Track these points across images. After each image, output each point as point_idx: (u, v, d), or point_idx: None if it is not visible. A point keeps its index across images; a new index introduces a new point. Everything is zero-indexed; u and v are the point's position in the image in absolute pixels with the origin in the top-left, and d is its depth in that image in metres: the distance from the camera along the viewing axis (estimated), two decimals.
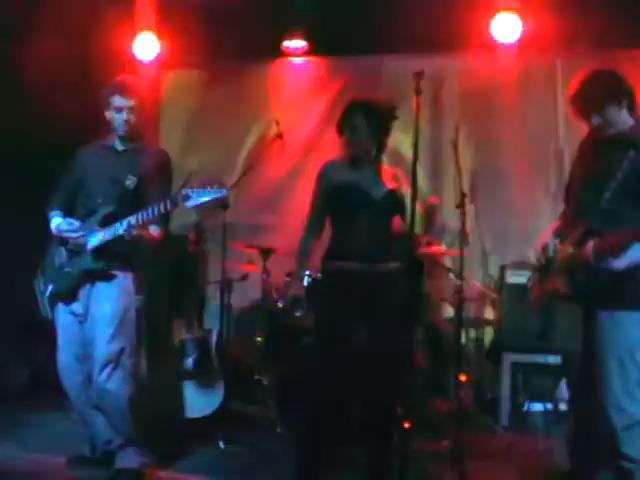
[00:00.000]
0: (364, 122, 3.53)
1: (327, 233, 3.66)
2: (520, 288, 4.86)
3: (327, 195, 3.60)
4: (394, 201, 3.56)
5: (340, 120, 3.62)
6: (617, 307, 3.12)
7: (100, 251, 3.60)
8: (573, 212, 3.34)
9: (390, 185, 3.57)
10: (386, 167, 3.68)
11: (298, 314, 4.51)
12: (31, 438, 4.25)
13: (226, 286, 4.67)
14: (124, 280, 3.69)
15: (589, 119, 3.27)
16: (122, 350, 3.61)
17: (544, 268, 3.37)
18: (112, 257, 3.62)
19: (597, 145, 3.30)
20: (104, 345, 3.59)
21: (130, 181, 3.67)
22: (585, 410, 3.31)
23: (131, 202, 3.61)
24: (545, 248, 3.37)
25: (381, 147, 3.61)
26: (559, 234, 3.37)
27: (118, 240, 3.54)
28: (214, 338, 4.48)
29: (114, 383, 3.58)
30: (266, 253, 4.88)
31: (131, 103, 3.66)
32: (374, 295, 3.50)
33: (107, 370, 3.58)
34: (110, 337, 3.59)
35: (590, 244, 3.08)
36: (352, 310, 3.51)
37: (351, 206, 3.56)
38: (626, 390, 3.10)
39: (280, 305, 4.68)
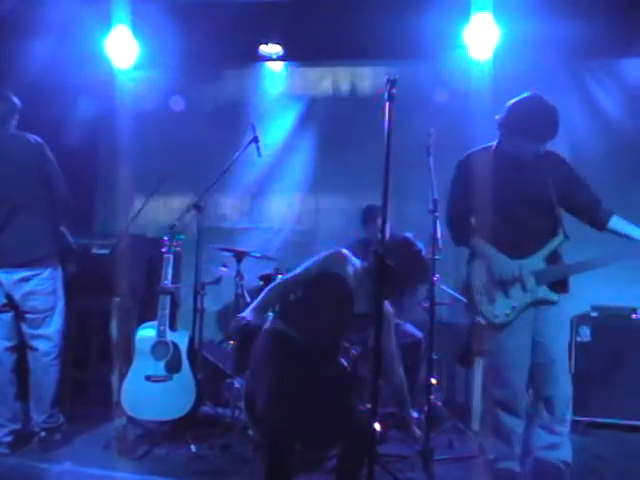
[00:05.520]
0: None
1: None
2: None
3: None
4: None
5: None
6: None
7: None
8: (514, 229, 3.61)
9: None
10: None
11: (270, 317, 4.52)
12: None
13: (199, 289, 4.67)
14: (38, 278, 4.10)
15: (509, 140, 3.60)
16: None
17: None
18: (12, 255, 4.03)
19: (513, 164, 3.62)
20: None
21: None
22: None
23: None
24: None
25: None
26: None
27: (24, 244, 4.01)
28: (186, 341, 4.47)
29: None
30: (240, 256, 4.88)
31: None
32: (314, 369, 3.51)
33: None
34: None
35: None
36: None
37: None
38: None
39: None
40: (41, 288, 4.12)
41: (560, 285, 3.66)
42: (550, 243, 3.64)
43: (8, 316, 4.15)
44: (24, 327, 4.16)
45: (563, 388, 3.66)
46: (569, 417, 3.69)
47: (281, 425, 3.33)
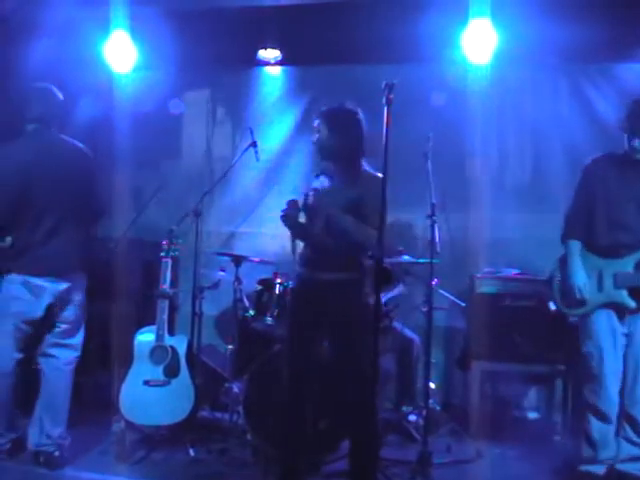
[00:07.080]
0: (326, 130, 3.61)
1: None
2: (489, 297, 4.95)
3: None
4: (354, 210, 3.49)
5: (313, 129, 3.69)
6: None
7: None
8: (614, 230, 3.62)
9: (363, 192, 3.50)
10: (371, 173, 3.63)
11: (269, 321, 4.53)
12: None
13: (198, 293, 4.67)
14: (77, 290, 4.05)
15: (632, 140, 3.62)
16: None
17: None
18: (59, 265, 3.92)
19: (630, 169, 3.66)
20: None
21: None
22: None
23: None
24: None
25: (352, 153, 3.62)
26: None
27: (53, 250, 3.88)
28: (185, 345, 4.47)
29: None
30: (238, 260, 4.88)
31: None
32: (324, 303, 3.54)
33: None
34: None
35: None
36: (313, 319, 3.59)
37: (309, 215, 3.67)
38: None
39: (251, 313, 4.70)
40: (78, 299, 4.05)
41: None
42: None
43: (30, 328, 3.98)
44: (48, 336, 4.03)
45: None
46: None
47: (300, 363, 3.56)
